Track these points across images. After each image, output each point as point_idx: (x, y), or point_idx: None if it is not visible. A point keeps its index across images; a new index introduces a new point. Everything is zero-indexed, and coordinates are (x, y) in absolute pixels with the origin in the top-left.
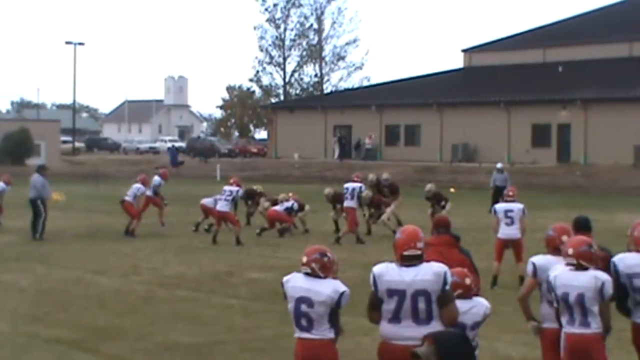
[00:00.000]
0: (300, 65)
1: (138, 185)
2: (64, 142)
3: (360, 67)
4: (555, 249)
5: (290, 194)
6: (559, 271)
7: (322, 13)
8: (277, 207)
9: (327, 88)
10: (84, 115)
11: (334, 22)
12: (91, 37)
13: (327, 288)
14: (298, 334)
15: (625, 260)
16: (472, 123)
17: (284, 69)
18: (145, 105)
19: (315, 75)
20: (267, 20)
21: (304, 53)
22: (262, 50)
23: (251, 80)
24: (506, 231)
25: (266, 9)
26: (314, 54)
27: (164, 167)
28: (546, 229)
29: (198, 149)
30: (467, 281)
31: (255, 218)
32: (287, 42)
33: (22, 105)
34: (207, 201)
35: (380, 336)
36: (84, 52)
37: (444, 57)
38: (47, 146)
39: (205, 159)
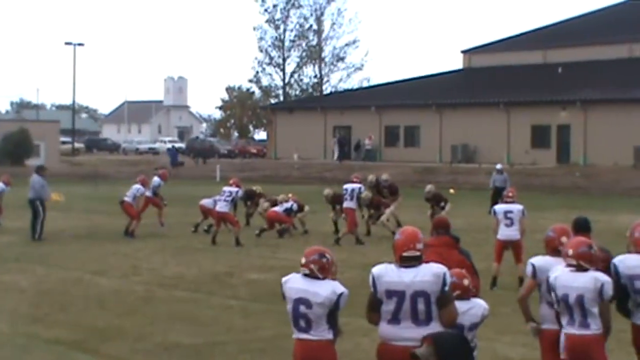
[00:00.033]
0: (299, 66)
1: (137, 185)
2: (64, 142)
3: (360, 68)
4: (554, 250)
5: (290, 195)
6: (559, 272)
7: (322, 14)
8: (276, 208)
9: (327, 89)
10: (84, 115)
11: (333, 23)
12: (91, 38)
13: (326, 289)
14: (296, 334)
15: (626, 262)
16: (471, 124)
17: (283, 70)
18: (145, 106)
19: (315, 76)
20: (267, 21)
21: (304, 54)
22: (261, 51)
23: (251, 81)
24: (506, 232)
25: (266, 10)
26: (314, 54)
27: (163, 167)
28: (546, 230)
29: (197, 149)
30: (466, 282)
31: (254, 219)
32: (286, 43)
33: (21, 106)
34: (206, 202)
35: (379, 337)
36: (83, 53)
37: (443, 58)
38: (46, 147)
39: (203, 160)
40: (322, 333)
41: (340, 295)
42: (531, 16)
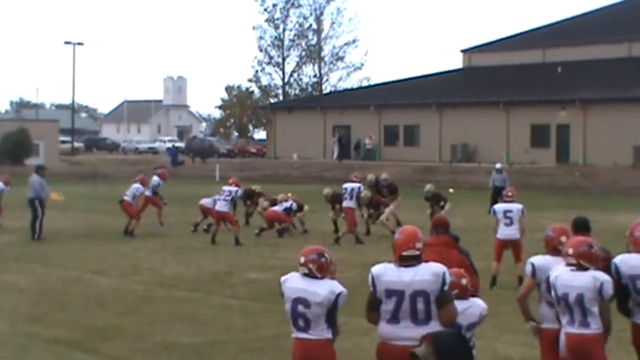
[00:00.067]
0: (299, 65)
1: (137, 185)
2: (63, 142)
3: (359, 68)
4: (554, 249)
5: (289, 194)
6: (559, 271)
7: (322, 13)
8: (275, 208)
9: (326, 88)
10: (83, 115)
11: (333, 23)
12: (90, 37)
13: (324, 289)
14: (295, 334)
15: (628, 262)
16: (471, 123)
17: (283, 69)
18: (144, 106)
19: (315, 76)
20: (266, 20)
21: (303, 53)
22: (261, 51)
23: (250, 80)
24: (505, 231)
25: (265, 9)
26: (313, 54)
27: (162, 167)
28: (545, 229)
29: (195, 149)
30: (464, 281)
31: (254, 218)
32: (286, 42)
33: (21, 105)
34: (206, 201)
35: (378, 336)
36: (83, 52)
37: (443, 58)
38: (46, 146)
39: (202, 159)
40: (320, 332)
41: (339, 294)
42: (531, 16)
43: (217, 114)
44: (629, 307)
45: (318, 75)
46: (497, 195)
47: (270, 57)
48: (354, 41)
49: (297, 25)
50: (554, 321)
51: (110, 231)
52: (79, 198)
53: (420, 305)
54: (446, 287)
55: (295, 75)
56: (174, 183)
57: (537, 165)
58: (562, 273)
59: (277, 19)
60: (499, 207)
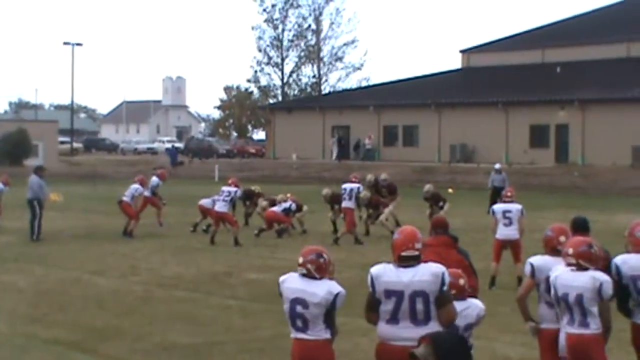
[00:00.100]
0: (298, 65)
1: (136, 185)
2: (62, 142)
3: (358, 68)
4: (553, 249)
5: (289, 195)
6: (559, 271)
7: (321, 14)
8: (275, 208)
9: (325, 89)
10: (82, 115)
11: (332, 23)
12: (89, 38)
13: (322, 289)
14: (294, 334)
15: (629, 262)
16: (470, 123)
17: (282, 70)
18: (143, 106)
19: (314, 76)
20: (265, 20)
21: (302, 54)
22: (260, 51)
23: (249, 80)
24: (504, 232)
25: (264, 10)
26: (312, 54)
27: (162, 167)
28: (544, 229)
29: (193, 149)
30: (461, 282)
31: (253, 219)
32: (285, 43)
33: (20, 106)
34: (205, 202)
35: (378, 337)
36: (81, 53)
37: (442, 58)
38: (44, 147)
39: (200, 158)
40: (319, 333)
41: (337, 295)
42: (529, 16)
43: (216, 114)
44: (629, 307)
45: (317, 75)
46: (496, 195)
47: (269, 58)
48: (353, 41)
49: (296, 26)
50: (553, 321)
51: (109, 232)
52: (78, 198)
53: (420, 306)
54: (445, 288)
55: (294, 75)
56: (173, 183)
57: (536, 166)
58: (562, 273)
59: (276, 20)
60: (498, 207)
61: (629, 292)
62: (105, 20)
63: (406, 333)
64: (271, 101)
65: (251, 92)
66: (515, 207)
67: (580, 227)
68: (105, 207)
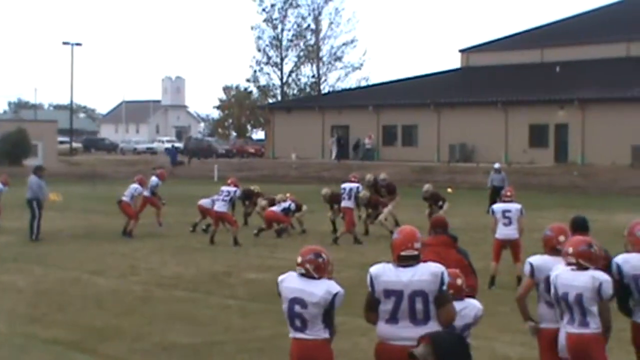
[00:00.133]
0: (297, 65)
1: (135, 185)
2: (61, 142)
3: (358, 68)
4: (552, 249)
5: (288, 195)
6: (559, 271)
7: (320, 13)
8: (274, 208)
9: (325, 88)
10: (82, 115)
11: (331, 23)
12: (88, 38)
13: (321, 289)
14: (293, 334)
15: (631, 261)
16: (469, 123)
17: (281, 69)
18: (143, 106)
19: (313, 76)
20: (265, 20)
21: (302, 53)
22: (259, 51)
23: (248, 80)
24: (504, 231)
25: (263, 10)
26: (312, 54)
27: (161, 167)
28: (544, 229)
29: (192, 149)
30: (459, 282)
31: (252, 218)
32: (284, 43)
33: (19, 106)
34: (204, 202)
35: (377, 336)
36: (81, 53)
37: (441, 57)
38: (44, 147)
39: (198, 158)
40: (317, 332)
41: (336, 294)
42: (529, 15)
43: (216, 114)
44: (630, 307)
45: (316, 75)
46: (496, 195)
47: (269, 57)
48: (352, 41)
49: (295, 26)
50: (552, 321)
51: (109, 231)
52: (77, 198)
53: (419, 305)
54: (445, 287)
55: (293, 75)
56: (173, 183)
57: (535, 165)
58: (562, 272)
59: (276, 19)
60: (498, 207)
61: (629, 291)
62: (105, 20)
63: (405, 333)
64: (270, 101)
65: (250, 92)
66: (515, 206)
67: (579, 226)
68: (105, 207)
